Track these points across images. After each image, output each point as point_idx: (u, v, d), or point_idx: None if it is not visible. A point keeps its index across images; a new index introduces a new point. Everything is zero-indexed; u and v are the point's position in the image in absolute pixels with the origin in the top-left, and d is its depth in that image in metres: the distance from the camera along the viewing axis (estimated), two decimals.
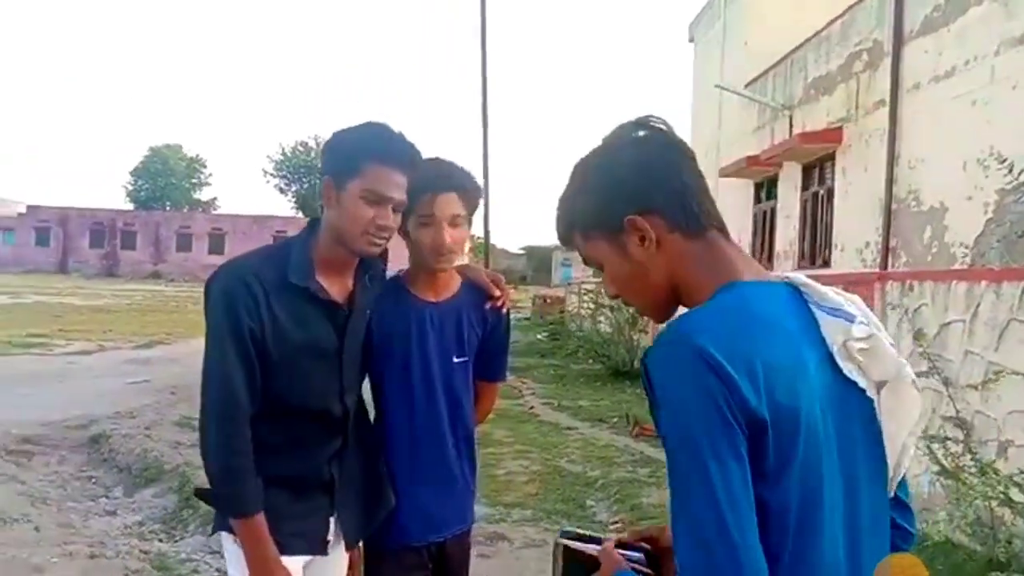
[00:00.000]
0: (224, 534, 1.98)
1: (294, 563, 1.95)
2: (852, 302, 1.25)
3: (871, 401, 1.21)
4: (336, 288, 1.97)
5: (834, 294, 1.24)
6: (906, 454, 1.26)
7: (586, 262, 1.34)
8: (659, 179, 1.23)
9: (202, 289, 1.94)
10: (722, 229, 1.25)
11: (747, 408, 1.05)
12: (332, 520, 2.04)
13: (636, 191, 1.23)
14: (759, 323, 1.14)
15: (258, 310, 1.84)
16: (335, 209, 1.91)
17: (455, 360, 2.20)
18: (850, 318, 1.20)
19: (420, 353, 2.16)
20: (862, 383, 1.20)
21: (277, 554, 1.87)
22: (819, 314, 1.21)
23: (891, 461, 1.25)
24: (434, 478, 2.18)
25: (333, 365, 1.98)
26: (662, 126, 1.28)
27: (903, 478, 1.30)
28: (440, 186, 2.07)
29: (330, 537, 2.04)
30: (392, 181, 1.90)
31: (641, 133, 1.27)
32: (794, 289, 1.24)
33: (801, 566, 1.10)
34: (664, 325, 1.22)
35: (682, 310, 1.25)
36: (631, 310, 13.19)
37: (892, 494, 1.26)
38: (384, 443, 2.18)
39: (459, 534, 2.27)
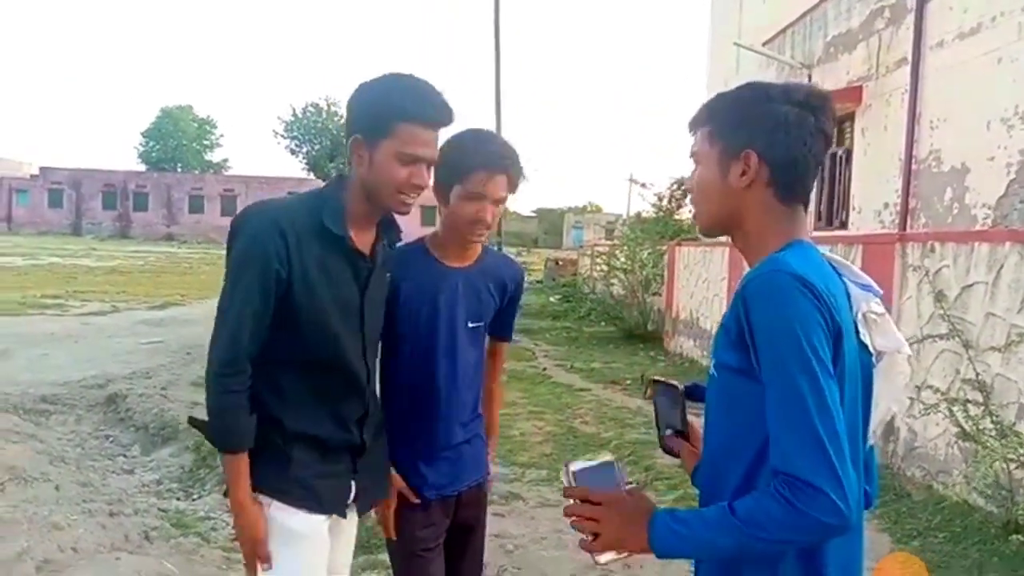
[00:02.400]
0: None
1: (321, 522, 1.97)
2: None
3: (872, 365, 1.43)
4: (361, 243, 1.95)
5: (863, 273, 1.49)
6: (887, 416, 1.49)
7: (691, 155, 1.50)
8: (794, 145, 1.39)
9: (215, 251, 1.92)
10: (806, 204, 1.46)
11: (835, 324, 1.27)
12: (353, 484, 2.04)
13: (772, 140, 1.39)
14: (828, 274, 1.37)
15: (288, 256, 1.82)
16: (366, 168, 1.86)
17: (470, 325, 2.24)
18: (877, 294, 1.45)
19: (448, 318, 2.19)
20: (870, 348, 1.41)
21: (251, 495, 1.89)
22: (850, 286, 1.44)
23: (874, 419, 1.45)
24: (454, 437, 2.23)
25: (355, 320, 1.95)
26: (830, 111, 1.43)
27: (872, 447, 1.51)
28: (495, 166, 2.09)
29: (350, 501, 2.05)
30: (426, 140, 1.86)
31: (816, 104, 1.42)
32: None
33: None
34: (756, 264, 1.39)
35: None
36: (645, 273, 13.17)
37: (868, 447, 1.46)
38: (404, 405, 2.20)
39: (475, 484, 2.33)
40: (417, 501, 2.18)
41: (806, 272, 1.28)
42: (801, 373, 1.22)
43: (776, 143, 1.39)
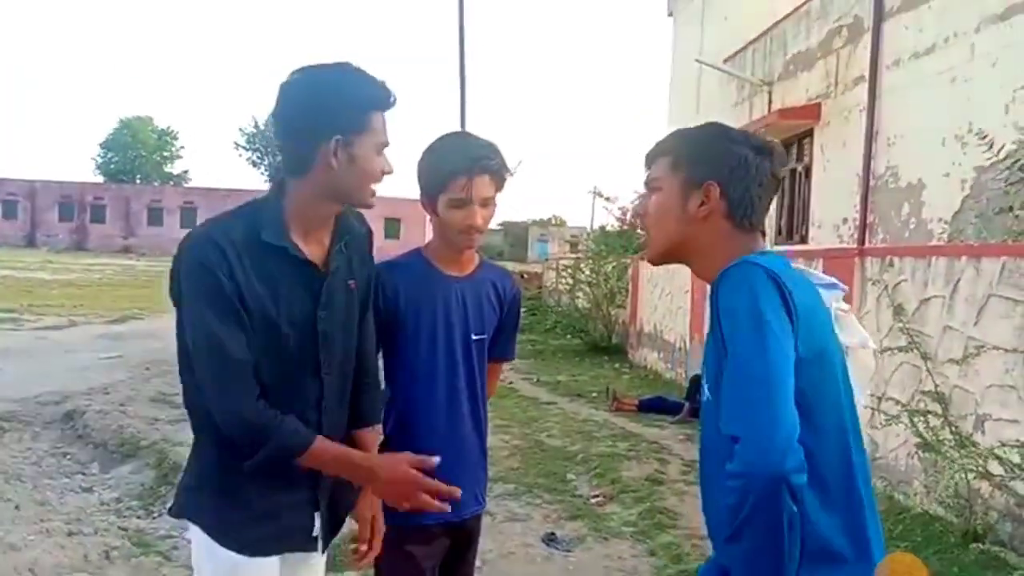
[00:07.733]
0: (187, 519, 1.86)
1: (269, 564, 1.83)
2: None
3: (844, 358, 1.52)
4: (312, 249, 1.81)
5: (823, 275, 1.61)
6: (859, 407, 1.55)
7: (647, 183, 1.59)
8: (751, 185, 1.51)
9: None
10: (763, 232, 1.56)
11: (794, 308, 1.35)
12: (317, 516, 1.89)
13: (733, 176, 1.49)
14: (794, 276, 1.46)
15: (233, 273, 1.68)
16: (344, 168, 1.73)
17: (474, 337, 2.18)
18: (842, 289, 1.58)
19: (446, 327, 2.14)
20: (843, 343, 1.50)
21: (359, 454, 1.82)
22: (817, 287, 1.53)
23: None
24: (453, 455, 2.08)
25: (308, 335, 1.80)
26: (781, 161, 1.57)
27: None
28: (475, 169, 2.03)
29: (316, 533, 1.90)
30: (386, 126, 1.81)
31: (771, 152, 1.55)
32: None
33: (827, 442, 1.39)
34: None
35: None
36: (609, 286, 13.25)
37: None
38: (405, 419, 2.14)
39: (477, 515, 2.27)
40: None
41: (773, 265, 1.40)
42: (752, 333, 1.30)
43: (736, 180, 1.50)
